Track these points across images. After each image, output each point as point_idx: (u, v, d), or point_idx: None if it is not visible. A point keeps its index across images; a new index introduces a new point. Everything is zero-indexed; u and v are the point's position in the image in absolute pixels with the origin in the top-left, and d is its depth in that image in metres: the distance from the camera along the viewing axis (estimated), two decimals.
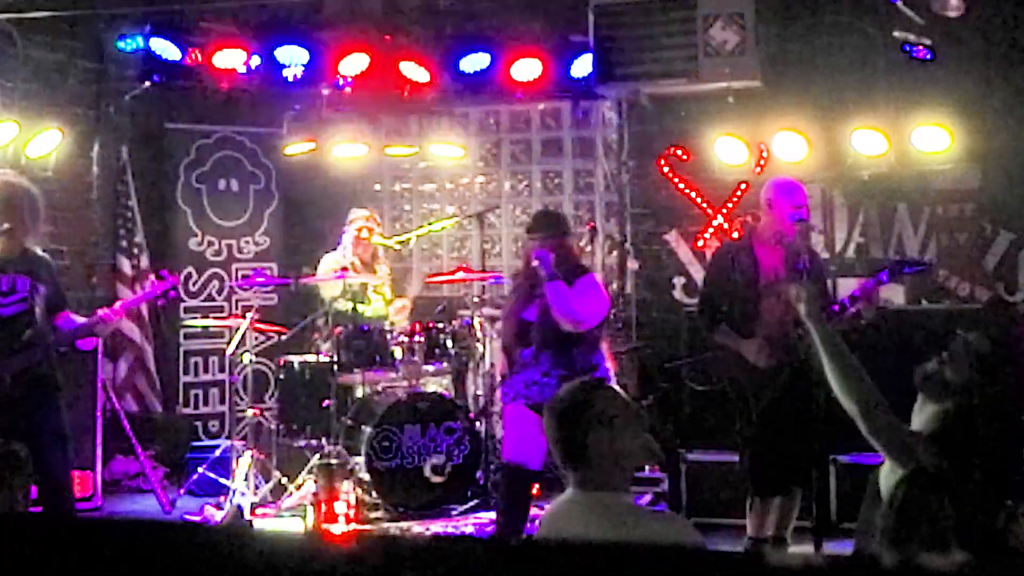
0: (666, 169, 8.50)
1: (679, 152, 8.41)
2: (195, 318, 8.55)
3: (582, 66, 8.09)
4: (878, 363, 7.08)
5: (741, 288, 5.91)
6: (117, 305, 5.97)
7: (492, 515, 7.00)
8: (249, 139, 9.14)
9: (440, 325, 7.58)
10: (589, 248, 8.80)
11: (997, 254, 7.77)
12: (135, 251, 8.47)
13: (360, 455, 7.04)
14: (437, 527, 6.95)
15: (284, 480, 7.29)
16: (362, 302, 7.79)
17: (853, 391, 3.46)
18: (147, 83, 8.29)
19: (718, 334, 5.93)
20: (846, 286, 7.12)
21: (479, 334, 7.68)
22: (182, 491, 7.73)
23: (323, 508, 6.69)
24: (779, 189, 6.03)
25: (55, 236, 7.86)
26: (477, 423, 7.42)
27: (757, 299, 5.89)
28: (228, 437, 7.95)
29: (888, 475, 3.48)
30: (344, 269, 7.64)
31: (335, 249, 7.98)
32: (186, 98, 8.70)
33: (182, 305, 8.84)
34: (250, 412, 7.51)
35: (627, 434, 3.09)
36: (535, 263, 5.74)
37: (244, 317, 7.54)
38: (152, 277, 8.53)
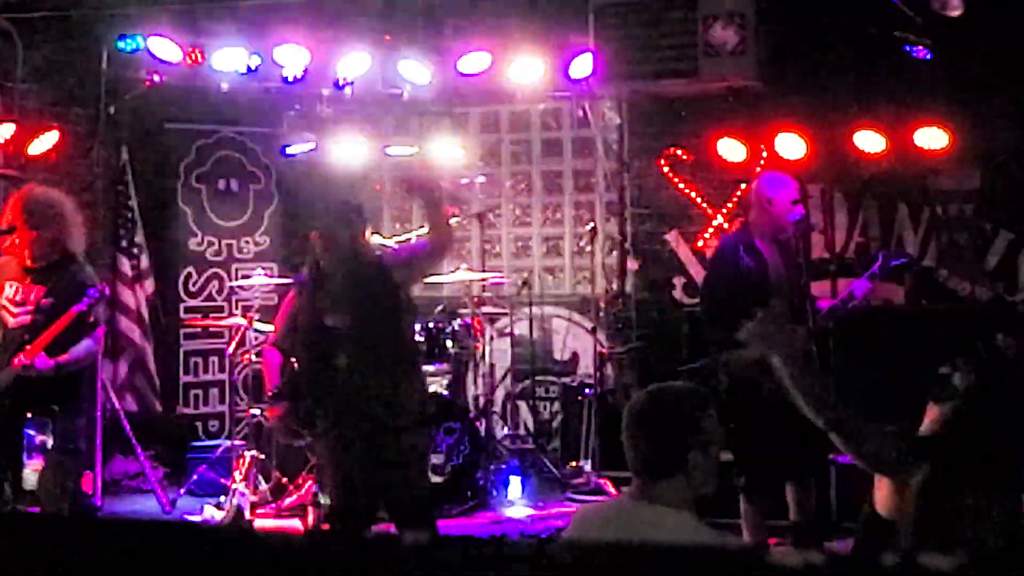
0: (666, 169, 8.50)
1: (679, 152, 8.41)
2: (195, 318, 8.54)
3: (582, 66, 8.08)
4: (878, 363, 7.11)
5: (751, 285, 5.86)
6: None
7: (492, 515, 7.02)
8: (249, 139, 9.13)
9: (440, 325, 7.58)
10: (589, 248, 8.81)
11: (997, 254, 7.77)
12: (135, 251, 8.47)
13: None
14: (437, 527, 6.94)
15: (284, 480, 7.28)
16: None
17: (821, 413, 3.39)
18: (147, 83, 8.29)
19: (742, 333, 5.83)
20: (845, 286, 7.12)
21: (479, 334, 7.68)
22: (182, 491, 7.73)
23: (323, 508, 6.69)
24: (775, 184, 6.03)
25: None
26: (477, 423, 7.42)
27: (767, 295, 5.86)
28: (228, 437, 7.95)
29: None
30: None
31: None
32: (186, 98, 8.70)
33: (182, 305, 8.85)
34: (250, 412, 7.51)
35: (713, 458, 2.93)
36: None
37: (244, 317, 7.53)
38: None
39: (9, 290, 5.58)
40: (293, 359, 5.18)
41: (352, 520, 4.92)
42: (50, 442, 5.61)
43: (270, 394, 5.16)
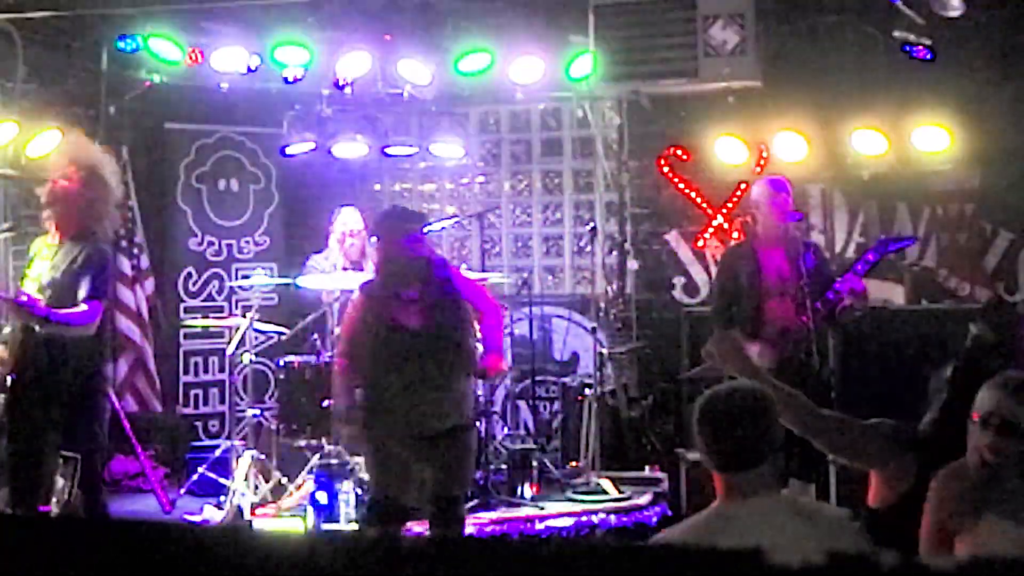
0: (666, 169, 8.50)
1: (679, 152, 8.41)
2: (195, 318, 8.54)
3: (582, 66, 8.08)
4: (878, 363, 7.11)
5: (745, 291, 5.95)
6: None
7: (492, 515, 7.02)
8: (249, 139, 9.13)
9: None
10: (589, 248, 8.81)
11: (997, 254, 7.77)
12: (135, 251, 8.47)
13: (360, 455, 7.03)
14: None
15: (284, 480, 7.28)
16: None
17: (797, 422, 3.45)
18: (147, 83, 8.28)
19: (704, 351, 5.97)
20: None
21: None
22: (182, 491, 7.73)
23: (323, 508, 6.69)
24: (765, 189, 6.10)
25: None
26: (477, 423, 7.41)
27: (762, 301, 5.92)
28: (228, 437, 7.95)
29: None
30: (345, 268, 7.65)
31: (323, 250, 7.98)
32: (186, 98, 8.70)
33: (182, 305, 8.85)
34: (250, 412, 7.51)
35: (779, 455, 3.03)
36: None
37: (244, 317, 7.53)
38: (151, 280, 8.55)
39: (36, 267, 5.53)
40: (354, 367, 5.19)
41: (392, 521, 5.09)
42: (60, 481, 5.55)
43: (347, 410, 5.12)
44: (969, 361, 3.62)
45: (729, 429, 2.92)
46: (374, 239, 5.35)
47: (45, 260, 5.49)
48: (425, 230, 5.30)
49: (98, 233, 5.57)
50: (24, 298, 5.34)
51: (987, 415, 3.14)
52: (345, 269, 7.71)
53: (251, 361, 7.55)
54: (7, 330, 5.55)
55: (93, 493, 5.51)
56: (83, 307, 5.39)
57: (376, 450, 5.20)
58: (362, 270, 7.85)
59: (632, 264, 8.68)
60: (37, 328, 5.36)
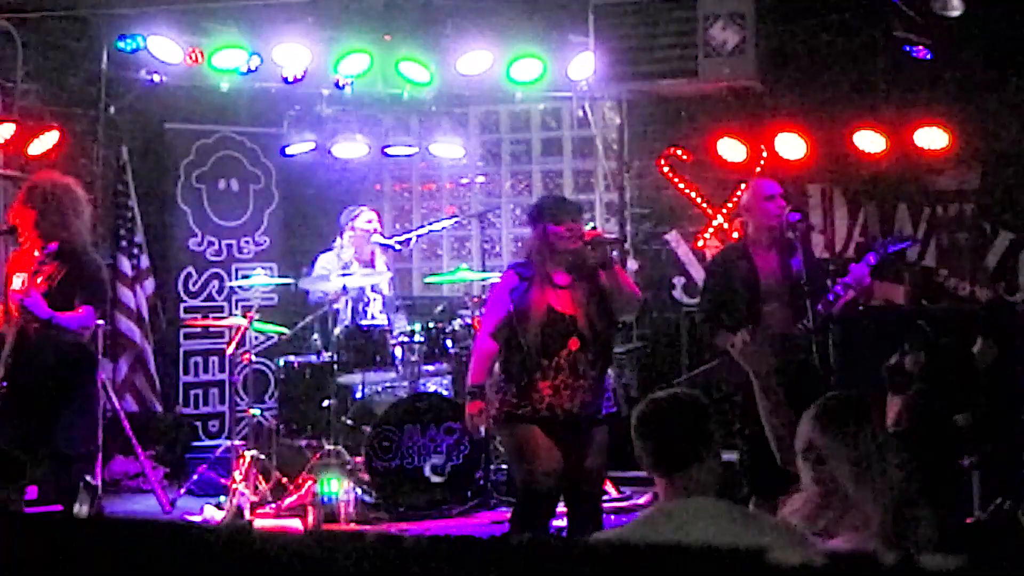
0: (666, 169, 8.50)
1: (679, 152, 8.41)
2: (195, 318, 8.54)
3: (582, 66, 8.08)
4: (878, 363, 7.09)
5: (742, 294, 5.93)
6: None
7: (492, 515, 7.02)
8: (249, 139, 9.13)
9: (440, 325, 7.58)
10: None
11: (997, 254, 7.77)
12: (135, 251, 8.47)
13: (360, 455, 7.04)
14: (437, 527, 6.94)
15: (284, 480, 7.28)
16: (365, 303, 7.79)
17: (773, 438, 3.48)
18: (147, 83, 8.29)
19: (719, 339, 5.94)
20: None
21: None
22: (182, 491, 7.72)
23: (323, 508, 6.69)
24: (755, 192, 6.11)
25: None
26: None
27: (758, 303, 5.91)
28: (228, 437, 7.95)
29: None
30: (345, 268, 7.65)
31: (331, 248, 7.98)
32: (186, 98, 8.70)
33: (182, 305, 8.85)
34: (250, 412, 7.51)
35: (717, 462, 3.08)
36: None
37: (244, 317, 7.53)
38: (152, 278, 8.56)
39: (16, 281, 5.60)
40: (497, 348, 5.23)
41: (545, 509, 5.14)
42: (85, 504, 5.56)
43: (480, 388, 5.19)
44: (937, 350, 3.63)
45: (663, 430, 3.01)
46: (532, 224, 5.40)
47: (36, 275, 5.56)
48: (582, 220, 5.37)
49: (80, 244, 5.67)
50: (29, 297, 5.40)
51: (803, 450, 3.17)
52: (350, 267, 7.72)
53: (251, 361, 7.55)
54: None
55: (69, 499, 5.52)
56: (80, 312, 5.54)
57: (521, 433, 5.18)
58: (373, 267, 7.86)
59: (632, 264, 8.68)
60: (32, 332, 5.41)
